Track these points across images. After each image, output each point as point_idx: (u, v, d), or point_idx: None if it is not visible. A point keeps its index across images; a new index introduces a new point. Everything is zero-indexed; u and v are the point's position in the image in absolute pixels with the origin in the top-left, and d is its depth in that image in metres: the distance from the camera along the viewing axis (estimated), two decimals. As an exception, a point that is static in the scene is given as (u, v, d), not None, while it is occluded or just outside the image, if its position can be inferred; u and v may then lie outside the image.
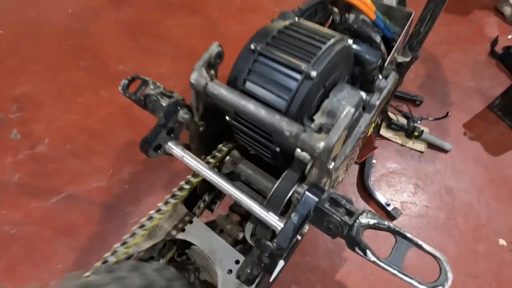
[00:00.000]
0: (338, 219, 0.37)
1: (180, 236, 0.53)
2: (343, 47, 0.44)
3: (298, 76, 0.39)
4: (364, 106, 0.54)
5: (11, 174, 1.32)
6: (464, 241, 1.21)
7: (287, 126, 0.37)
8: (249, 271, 0.37)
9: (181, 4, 2.17)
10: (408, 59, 1.00)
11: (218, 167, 0.55)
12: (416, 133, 1.42)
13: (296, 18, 0.49)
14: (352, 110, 0.36)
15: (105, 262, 0.44)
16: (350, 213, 0.38)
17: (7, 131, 1.46)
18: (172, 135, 0.48)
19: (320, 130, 0.39)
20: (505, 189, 1.35)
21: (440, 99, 1.67)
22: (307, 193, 0.37)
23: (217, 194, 0.60)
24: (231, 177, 0.57)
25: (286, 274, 1.11)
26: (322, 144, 0.35)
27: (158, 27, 1.99)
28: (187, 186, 0.52)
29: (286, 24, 0.45)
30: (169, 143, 0.47)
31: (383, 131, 1.51)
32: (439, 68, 1.83)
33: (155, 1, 2.17)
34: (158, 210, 0.52)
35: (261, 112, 0.39)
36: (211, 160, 0.52)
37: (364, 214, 0.38)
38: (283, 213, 0.43)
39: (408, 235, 0.38)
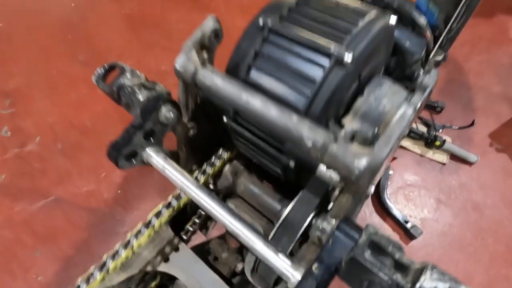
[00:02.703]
0: (387, 278, 0.24)
1: (162, 268, 0.42)
2: (385, 25, 0.31)
3: (326, 62, 0.27)
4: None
5: (-4, 174, 1.22)
6: (495, 265, 1.07)
7: (309, 133, 0.25)
8: None
9: (186, -2, 2.08)
10: (441, 58, 0.87)
11: (213, 183, 0.43)
12: (438, 143, 1.28)
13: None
14: (410, 111, 0.25)
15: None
16: (402, 267, 0.25)
17: (-5, 127, 1.36)
18: (152, 139, 0.36)
19: (352, 139, 0.27)
20: (538, 207, 1.21)
21: (463, 105, 1.53)
22: (337, 233, 0.25)
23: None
24: (229, 191, 0.46)
25: None
26: (364, 162, 0.23)
27: (160, 22, 1.90)
28: (173, 205, 0.41)
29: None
30: (148, 150, 0.36)
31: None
32: (462, 71, 1.69)
33: (159, -5, 2.08)
34: (138, 233, 0.40)
35: (271, 112, 0.27)
36: (202, 176, 0.40)
37: (428, 272, 0.26)
38: (292, 251, 0.31)
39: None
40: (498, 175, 1.29)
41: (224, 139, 0.42)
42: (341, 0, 0.34)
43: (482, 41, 1.87)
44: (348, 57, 0.27)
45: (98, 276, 0.36)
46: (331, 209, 0.30)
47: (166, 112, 0.35)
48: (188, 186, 0.35)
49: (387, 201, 1.16)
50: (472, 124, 1.39)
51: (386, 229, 1.14)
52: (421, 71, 0.43)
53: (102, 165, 1.26)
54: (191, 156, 0.42)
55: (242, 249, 0.46)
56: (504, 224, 1.16)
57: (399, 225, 1.12)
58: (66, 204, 1.16)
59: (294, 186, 0.37)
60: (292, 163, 0.32)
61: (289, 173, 0.34)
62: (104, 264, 0.37)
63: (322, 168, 0.26)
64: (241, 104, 0.29)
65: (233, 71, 0.32)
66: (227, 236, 0.49)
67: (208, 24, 0.32)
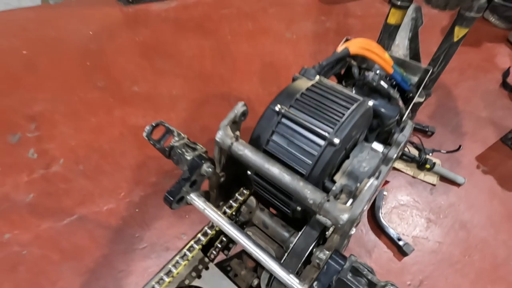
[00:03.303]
0: None
1: (196, 283, 0.53)
2: (366, 111, 0.44)
3: (322, 142, 0.40)
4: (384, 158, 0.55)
5: (25, 194, 1.34)
6: (481, 280, 1.17)
7: (310, 195, 0.37)
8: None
9: (195, 26, 2.24)
10: (422, 100, 1.00)
11: (235, 215, 0.55)
12: (428, 166, 1.40)
13: (317, 77, 0.50)
14: (376, 182, 0.36)
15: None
16: (372, 284, 0.37)
17: (24, 150, 1.49)
18: (194, 186, 0.48)
19: (341, 192, 0.39)
20: (522, 226, 1.32)
21: (452, 129, 1.65)
22: (329, 261, 0.37)
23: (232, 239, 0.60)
24: (247, 221, 0.57)
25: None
26: (346, 216, 0.35)
27: (171, 49, 2.05)
28: (208, 234, 0.52)
29: (309, 86, 0.46)
30: (191, 195, 0.47)
31: (394, 162, 1.49)
32: (451, 97, 1.83)
33: (169, 23, 2.24)
34: (183, 256, 0.51)
35: (285, 178, 0.39)
36: (228, 211, 0.52)
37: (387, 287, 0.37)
38: (298, 271, 0.42)
39: None
40: (485, 196, 1.41)
41: (244, 180, 0.54)
42: (336, 87, 0.47)
43: (470, 68, 2.01)
44: (337, 140, 0.39)
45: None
46: (326, 243, 0.41)
47: (206, 168, 0.46)
48: (221, 222, 0.46)
49: (382, 220, 1.27)
50: (459, 148, 1.51)
51: (380, 246, 1.24)
52: (397, 129, 0.55)
53: (120, 186, 1.38)
54: (219, 195, 0.54)
55: (257, 268, 0.57)
56: (489, 242, 1.26)
57: (393, 242, 1.23)
58: (89, 222, 1.27)
59: (298, 220, 0.49)
60: (299, 208, 0.43)
61: (296, 214, 0.46)
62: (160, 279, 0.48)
63: (321, 218, 0.38)
64: (263, 169, 0.41)
65: (256, 142, 0.44)
66: (244, 257, 0.60)
67: (239, 108, 0.44)
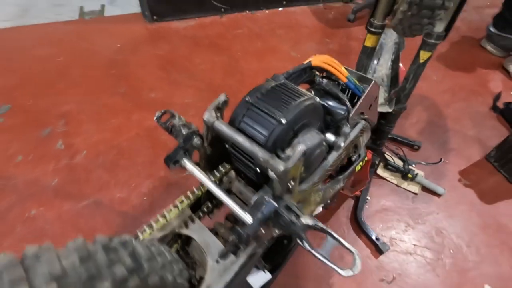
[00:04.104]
0: (288, 219, 0.51)
1: (184, 231, 0.69)
2: (311, 103, 0.61)
3: (274, 122, 0.57)
4: (333, 146, 0.70)
5: (51, 179, 1.55)
6: (450, 282, 1.26)
7: (261, 154, 0.54)
8: (225, 250, 0.51)
9: (209, 44, 2.49)
10: (390, 110, 1.16)
11: (219, 184, 0.72)
12: (410, 175, 1.53)
13: (283, 80, 0.67)
14: (303, 147, 0.52)
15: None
16: (297, 216, 0.52)
17: (53, 142, 1.72)
18: (187, 154, 0.66)
19: (288, 158, 0.55)
20: (497, 237, 1.41)
21: (438, 145, 1.77)
22: (271, 200, 0.53)
23: (216, 204, 0.76)
24: (228, 192, 0.73)
25: (275, 292, 1.21)
26: (281, 167, 0.51)
27: (187, 63, 2.29)
28: (195, 193, 0.69)
29: (273, 85, 0.63)
30: (184, 160, 0.65)
31: (380, 171, 1.63)
32: (441, 116, 1.96)
33: (187, 40, 2.51)
34: (175, 206, 0.69)
35: (246, 143, 0.56)
36: (214, 176, 0.69)
37: (306, 217, 0.52)
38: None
39: (334, 234, 0.51)
40: (464, 207, 1.51)
41: (226, 158, 0.71)
42: (294, 88, 0.64)
43: (462, 90, 2.15)
44: (283, 120, 0.56)
45: (148, 230, 0.64)
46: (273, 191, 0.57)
47: (196, 141, 0.64)
48: (206, 181, 0.63)
49: (362, 221, 1.39)
50: (440, 161, 1.63)
51: (360, 244, 1.36)
52: (347, 124, 0.71)
53: (133, 178, 1.57)
54: (207, 166, 0.71)
55: (234, 228, 0.72)
56: (462, 249, 1.36)
57: (371, 241, 1.34)
58: (104, 207, 1.46)
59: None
60: (258, 170, 0.60)
61: (258, 176, 0.62)
62: (151, 225, 0.65)
63: (270, 172, 0.54)
64: (233, 139, 0.58)
65: (232, 122, 0.62)
66: (225, 220, 0.76)
67: (221, 97, 0.62)
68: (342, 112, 0.68)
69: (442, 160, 1.64)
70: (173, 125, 0.63)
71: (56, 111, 1.90)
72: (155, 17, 2.66)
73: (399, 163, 1.60)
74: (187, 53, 2.39)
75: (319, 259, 0.48)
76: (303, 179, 0.64)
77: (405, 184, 1.58)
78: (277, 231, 0.58)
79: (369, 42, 1.14)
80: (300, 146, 0.50)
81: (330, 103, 0.69)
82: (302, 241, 0.52)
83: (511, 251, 1.36)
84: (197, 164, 0.68)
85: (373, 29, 1.10)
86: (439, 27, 1.01)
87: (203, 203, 0.75)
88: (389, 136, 1.78)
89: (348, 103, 0.69)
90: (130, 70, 2.21)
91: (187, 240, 0.71)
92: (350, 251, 0.48)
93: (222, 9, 2.78)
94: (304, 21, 2.79)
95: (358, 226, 1.39)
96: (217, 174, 0.71)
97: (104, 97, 2.00)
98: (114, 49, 2.38)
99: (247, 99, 0.62)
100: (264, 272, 1.02)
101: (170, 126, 0.63)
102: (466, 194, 1.57)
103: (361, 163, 1.14)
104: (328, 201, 1.08)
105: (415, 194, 1.55)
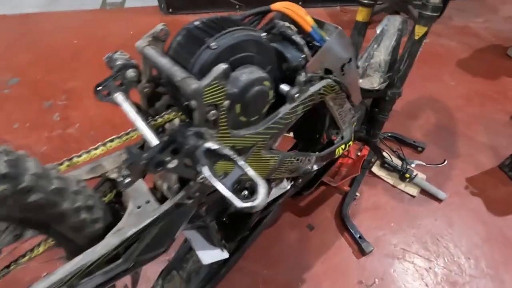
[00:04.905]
0: (189, 141, 0.45)
1: (114, 176, 0.65)
2: (252, 36, 0.55)
3: (203, 46, 0.51)
4: (286, 96, 0.63)
5: (41, 146, 1.58)
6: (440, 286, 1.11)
7: (179, 73, 0.48)
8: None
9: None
10: (376, 87, 1.06)
11: (162, 131, 0.67)
12: (407, 175, 1.39)
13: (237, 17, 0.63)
14: (223, 66, 0.46)
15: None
16: (200, 136, 0.45)
17: (52, 113, 1.77)
18: (124, 90, 0.62)
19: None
20: (503, 252, 1.23)
21: (445, 148, 1.62)
22: (178, 128, 0.47)
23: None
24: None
25: (238, 277, 1.12)
26: (194, 85, 0.45)
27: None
28: (130, 134, 0.65)
29: (218, 16, 0.58)
30: (118, 94, 0.61)
31: (376, 169, 1.50)
32: (451, 119, 1.80)
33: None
34: (104, 144, 0.65)
35: (167, 65, 0.51)
36: (153, 121, 0.64)
37: (212, 142, 0.45)
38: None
39: (239, 163, 0.43)
40: (467, 216, 1.34)
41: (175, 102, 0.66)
42: (237, 21, 0.59)
43: (478, 96, 1.98)
44: (213, 44, 0.51)
45: (66, 163, 0.60)
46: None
47: (131, 73, 0.60)
48: (134, 117, 0.58)
49: (347, 217, 1.27)
50: (443, 162, 1.48)
51: (342, 242, 1.24)
52: (302, 74, 0.63)
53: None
54: (149, 109, 0.67)
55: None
56: (460, 261, 1.20)
57: (354, 240, 1.22)
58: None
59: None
60: (186, 102, 0.53)
61: (190, 113, 0.55)
62: (71, 158, 0.62)
63: (192, 102, 0.48)
64: (157, 64, 0.54)
65: (168, 50, 0.58)
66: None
67: (158, 27, 0.59)
68: (296, 59, 0.61)
69: (446, 161, 1.49)
70: (110, 57, 0.60)
71: (62, 87, 1.96)
72: (170, 10, 2.73)
73: (397, 162, 1.47)
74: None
75: (218, 188, 0.41)
76: (242, 124, 0.58)
77: (402, 185, 1.45)
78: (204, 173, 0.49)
79: (360, 16, 1.07)
80: (221, 65, 0.44)
81: (284, 47, 0.62)
82: (203, 168, 0.44)
83: (519, 269, 1.18)
84: (138, 106, 0.64)
85: (364, 1, 1.03)
86: (436, -2, 0.92)
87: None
88: (390, 134, 1.66)
89: (306, 49, 0.62)
90: (139, 56, 2.25)
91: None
92: (255, 182, 0.41)
93: (237, 6, 2.81)
94: (318, 21, 2.73)
95: (342, 223, 1.28)
96: (160, 119, 0.66)
97: (108, 77, 2.04)
98: (127, 36, 2.45)
99: (185, 26, 0.57)
100: (222, 250, 0.94)
101: (112, 61, 0.59)
102: (471, 201, 1.40)
103: (342, 147, 1.04)
104: (299, 181, 0.99)
105: (413, 196, 1.41)
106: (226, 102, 0.51)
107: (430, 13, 0.93)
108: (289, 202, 1.31)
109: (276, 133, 0.66)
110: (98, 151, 0.62)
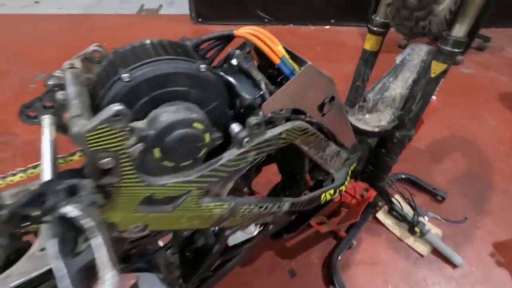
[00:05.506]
0: (51, 199, 0.36)
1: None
2: (183, 68, 0.45)
3: (114, 78, 0.43)
4: (233, 139, 0.52)
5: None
6: None
7: (73, 109, 0.40)
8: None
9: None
10: (369, 129, 0.91)
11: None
12: (417, 229, 1.19)
13: (188, 43, 0.54)
14: (116, 108, 0.37)
15: None
16: (72, 193, 0.36)
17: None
18: (54, 113, 0.56)
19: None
20: None
21: (472, 202, 1.38)
22: (57, 177, 0.38)
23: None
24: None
25: None
26: (75, 128, 0.36)
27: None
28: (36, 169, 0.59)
29: (159, 40, 0.50)
30: (44, 117, 0.55)
31: (381, 215, 1.32)
32: (486, 168, 1.54)
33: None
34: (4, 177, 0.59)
35: (71, 95, 0.44)
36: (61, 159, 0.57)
37: (73, 205, 0.35)
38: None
39: (94, 242, 0.33)
40: (487, 291, 1.11)
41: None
42: (180, 48, 0.50)
43: (526, 144, 1.69)
44: (125, 77, 0.42)
45: None
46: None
47: (59, 95, 0.53)
48: (45, 151, 0.51)
49: (336, 267, 1.11)
50: (464, 220, 1.24)
51: (324, 298, 1.08)
52: (258, 115, 0.52)
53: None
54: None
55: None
56: None
57: (339, 297, 1.05)
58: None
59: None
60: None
61: None
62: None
63: None
64: (67, 93, 0.46)
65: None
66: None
67: (90, 48, 0.51)
68: (250, 97, 0.50)
69: (467, 219, 1.25)
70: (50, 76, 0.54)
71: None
72: (200, 19, 2.75)
73: (409, 210, 1.27)
74: (217, 55, 2.38)
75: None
76: (168, 169, 0.48)
77: (411, 240, 1.24)
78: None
79: (368, 44, 0.93)
80: (112, 106, 0.35)
81: (236, 81, 0.52)
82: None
83: None
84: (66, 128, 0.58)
85: (374, 28, 0.89)
86: (459, 30, 0.76)
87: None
88: (405, 176, 1.46)
89: (264, 85, 0.51)
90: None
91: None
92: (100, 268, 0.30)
93: (266, 20, 2.75)
94: (348, 41, 2.58)
95: (328, 273, 1.11)
96: (69, 158, 0.59)
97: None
98: (153, 42, 2.50)
99: (114, 49, 0.50)
100: (174, 291, 0.84)
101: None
102: (494, 273, 1.16)
103: (331, 192, 0.90)
104: (269, 227, 0.86)
105: (421, 255, 1.20)
106: (133, 148, 0.42)
107: (450, 49, 0.77)
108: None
109: (217, 182, 0.55)
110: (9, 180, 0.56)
